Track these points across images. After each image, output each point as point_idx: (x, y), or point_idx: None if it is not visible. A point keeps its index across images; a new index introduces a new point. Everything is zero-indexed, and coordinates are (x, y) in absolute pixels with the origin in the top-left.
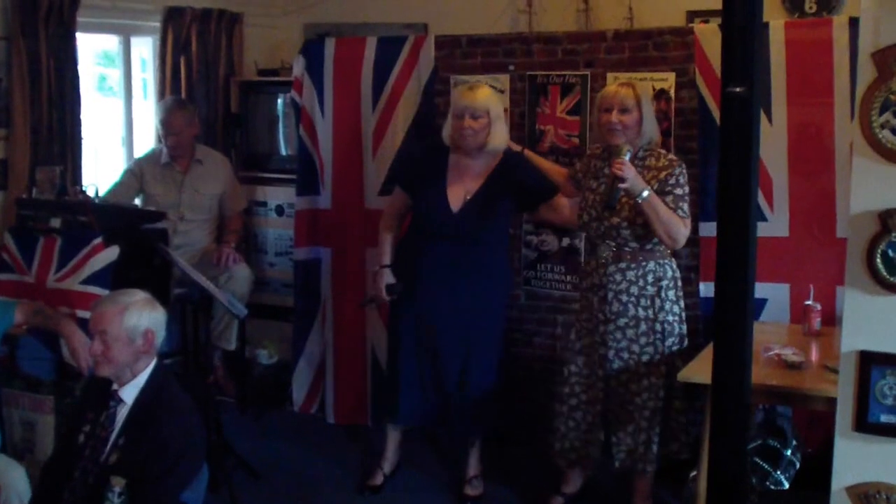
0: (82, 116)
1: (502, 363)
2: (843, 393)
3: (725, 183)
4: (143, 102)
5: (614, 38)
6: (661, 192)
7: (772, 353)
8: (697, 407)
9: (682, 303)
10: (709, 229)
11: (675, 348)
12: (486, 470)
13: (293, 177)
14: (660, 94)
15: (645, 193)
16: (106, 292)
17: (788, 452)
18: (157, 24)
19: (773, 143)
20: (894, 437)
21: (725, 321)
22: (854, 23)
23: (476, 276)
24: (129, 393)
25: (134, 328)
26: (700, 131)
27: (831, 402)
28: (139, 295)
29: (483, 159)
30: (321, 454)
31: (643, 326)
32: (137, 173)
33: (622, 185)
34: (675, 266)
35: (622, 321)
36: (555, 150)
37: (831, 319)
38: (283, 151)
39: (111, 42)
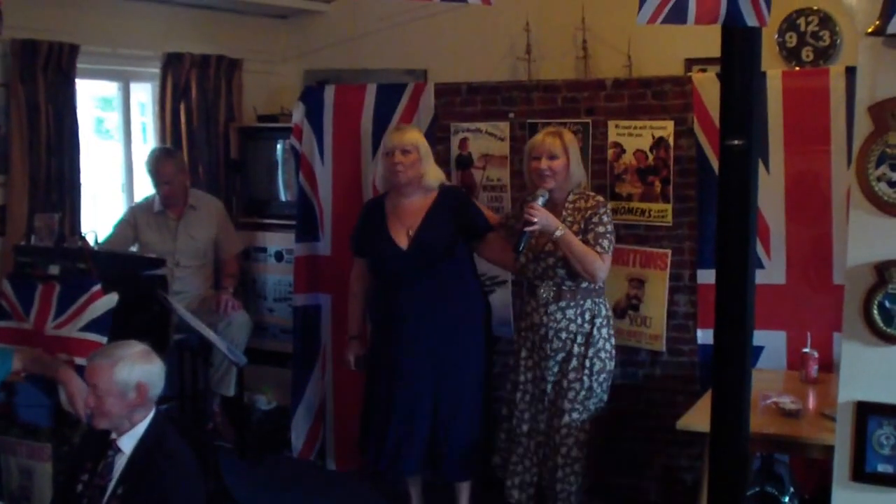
0: (81, 163)
1: (487, 398)
2: (841, 443)
3: (724, 234)
4: (143, 146)
5: (613, 87)
6: (585, 231)
7: (769, 401)
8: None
9: (612, 341)
10: (707, 276)
11: (605, 384)
12: None
13: (293, 222)
14: (659, 143)
15: (558, 232)
16: (104, 339)
17: (786, 499)
18: (157, 70)
19: (771, 191)
20: (891, 486)
21: (724, 370)
22: (851, 72)
23: (445, 309)
24: (128, 443)
25: (125, 382)
26: (698, 179)
27: (828, 449)
28: (135, 348)
29: (418, 196)
30: (320, 501)
31: (574, 362)
32: (132, 222)
33: (530, 229)
34: (608, 305)
35: (560, 356)
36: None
37: (828, 366)
38: (283, 197)
39: (109, 87)
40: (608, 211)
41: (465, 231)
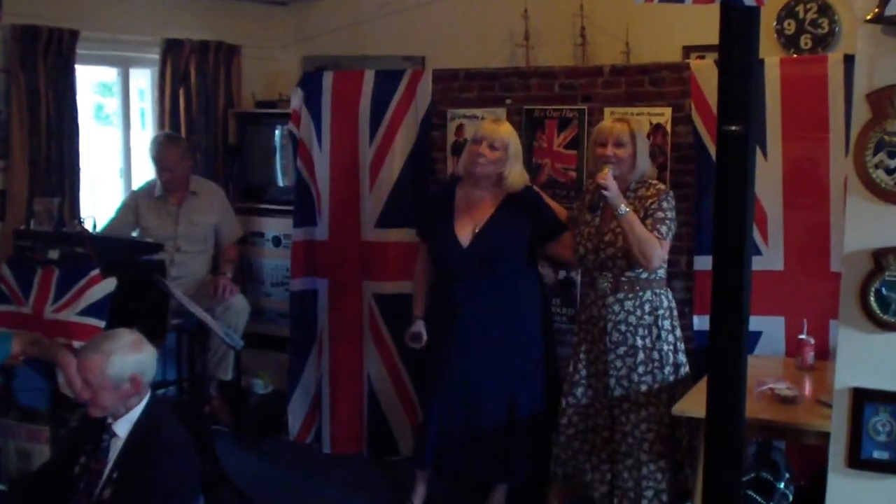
0: (80, 148)
1: (548, 395)
2: (837, 429)
3: (722, 220)
4: (142, 132)
5: (611, 73)
6: (645, 216)
7: (765, 387)
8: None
9: (678, 332)
10: (703, 263)
11: (671, 378)
12: None
13: (290, 208)
14: (656, 129)
15: (623, 209)
16: (103, 323)
17: (781, 485)
18: (156, 56)
19: (768, 177)
20: (887, 473)
21: (720, 356)
22: (849, 59)
23: (503, 308)
24: (123, 427)
25: (119, 376)
26: (696, 166)
27: (824, 436)
28: (125, 338)
29: (493, 192)
30: (317, 483)
31: (641, 356)
32: (133, 207)
33: (605, 192)
34: (670, 296)
35: (622, 350)
36: (552, 184)
37: (825, 353)
38: (281, 182)
39: (109, 72)
40: (671, 199)
41: (540, 233)
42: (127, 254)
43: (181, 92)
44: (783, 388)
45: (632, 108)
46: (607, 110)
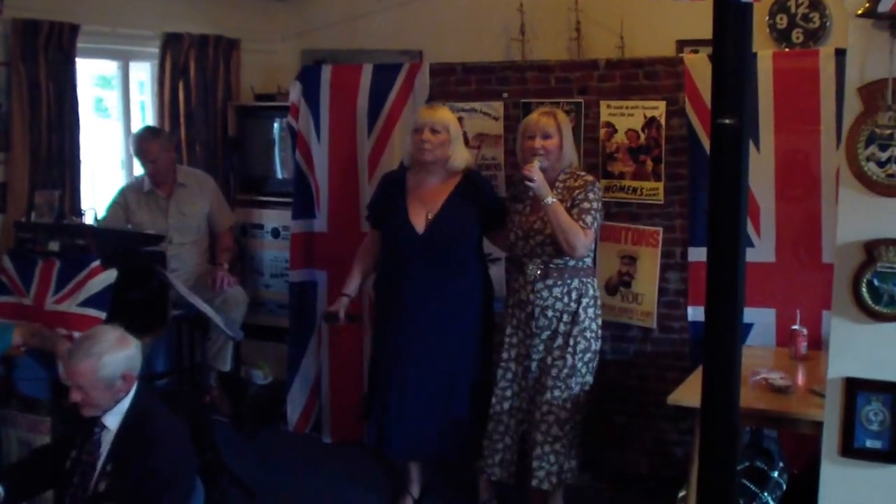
0: (81, 141)
1: (483, 381)
2: (830, 419)
3: (716, 212)
4: (141, 125)
5: (606, 67)
6: (571, 206)
7: (759, 377)
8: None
9: (599, 321)
10: (697, 254)
11: (590, 364)
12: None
13: (289, 200)
14: (650, 122)
15: (549, 200)
16: (103, 314)
17: (775, 474)
18: (156, 50)
19: (761, 170)
20: (879, 461)
21: (715, 346)
22: (840, 53)
23: (451, 292)
24: (113, 419)
25: (111, 376)
26: (689, 158)
27: (817, 425)
28: (109, 337)
29: (442, 177)
30: (316, 473)
31: (559, 340)
32: (123, 204)
33: (529, 184)
34: (596, 286)
35: (545, 334)
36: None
37: (817, 343)
38: (280, 175)
39: (109, 66)
40: (597, 190)
41: (487, 219)
42: (127, 245)
43: (181, 85)
44: (777, 377)
45: (626, 101)
46: (603, 103)
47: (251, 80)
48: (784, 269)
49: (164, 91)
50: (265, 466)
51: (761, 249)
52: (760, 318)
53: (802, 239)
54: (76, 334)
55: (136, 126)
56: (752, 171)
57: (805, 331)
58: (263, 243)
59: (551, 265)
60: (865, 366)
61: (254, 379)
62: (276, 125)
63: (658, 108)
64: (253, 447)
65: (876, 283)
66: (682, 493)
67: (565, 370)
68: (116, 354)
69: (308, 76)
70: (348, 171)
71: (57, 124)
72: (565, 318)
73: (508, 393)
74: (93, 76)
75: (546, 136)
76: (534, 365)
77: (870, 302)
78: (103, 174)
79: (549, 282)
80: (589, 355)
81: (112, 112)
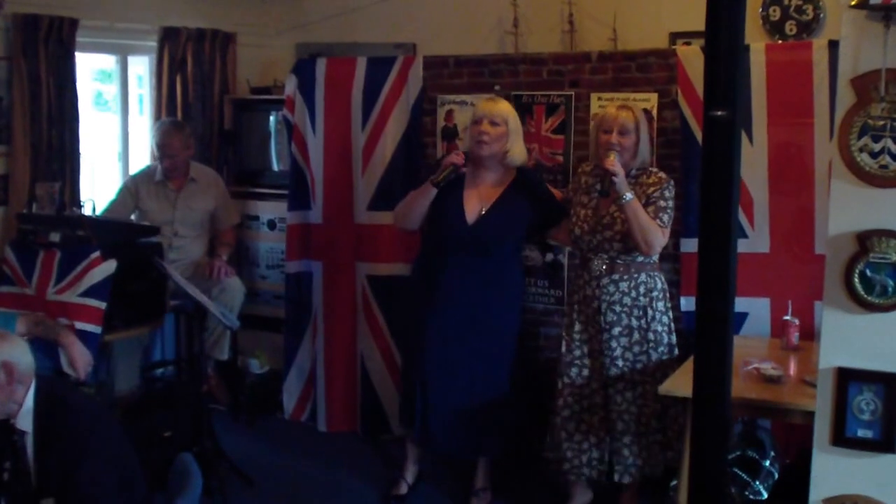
0: (80, 134)
1: (515, 376)
2: (822, 408)
3: (708, 203)
4: (139, 118)
5: (598, 60)
6: (646, 204)
7: (751, 366)
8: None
9: (670, 314)
10: (690, 245)
11: (664, 357)
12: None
13: (285, 192)
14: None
15: (628, 196)
16: (103, 305)
17: (767, 463)
18: (154, 44)
19: (754, 162)
20: (871, 450)
21: (706, 336)
22: (833, 45)
23: (490, 290)
24: (26, 421)
25: None
26: (682, 150)
27: (809, 415)
28: None
29: (499, 173)
30: (312, 461)
31: (636, 335)
32: (133, 190)
33: (614, 178)
34: (663, 279)
35: (616, 330)
36: (539, 168)
37: (809, 334)
38: (275, 167)
39: (108, 60)
40: (671, 188)
41: (544, 219)
42: (125, 236)
43: (178, 79)
44: (769, 367)
45: (618, 93)
46: (594, 95)
47: (247, 73)
48: (777, 260)
49: (161, 84)
50: (262, 454)
51: (754, 240)
52: (754, 308)
53: (795, 230)
54: (77, 324)
55: (135, 119)
56: (745, 163)
57: (797, 321)
58: (259, 235)
59: (618, 260)
60: (857, 356)
61: (251, 368)
62: (271, 118)
63: (650, 101)
64: (250, 435)
65: (868, 273)
66: (673, 483)
67: (651, 365)
68: None
69: (303, 69)
70: (343, 162)
71: (57, 117)
72: (636, 312)
73: (586, 391)
74: (92, 70)
75: (624, 133)
76: (608, 361)
77: (862, 292)
78: (102, 166)
79: (616, 276)
80: (663, 348)
81: (111, 105)
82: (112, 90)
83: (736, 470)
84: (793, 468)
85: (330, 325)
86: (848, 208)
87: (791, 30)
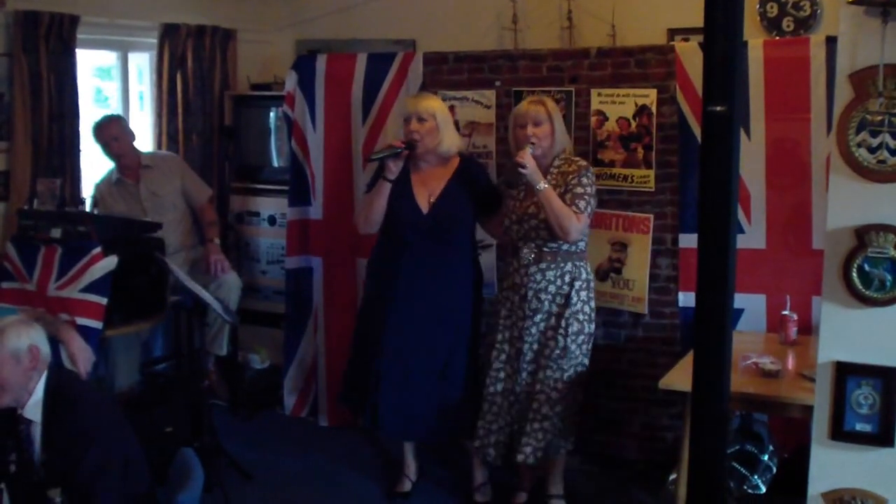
0: (81, 130)
1: (470, 361)
2: (820, 402)
3: (706, 199)
4: (140, 114)
5: (597, 56)
6: (565, 191)
7: (749, 361)
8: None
9: (592, 304)
10: (688, 241)
11: (584, 346)
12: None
13: (285, 188)
14: (641, 110)
15: (541, 186)
16: (104, 300)
17: (765, 457)
18: (154, 41)
19: (752, 157)
20: (869, 444)
21: (706, 331)
22: (831, 41)
23: (447, 276)
24: (34, 411)
25: (17, 349)
26: (680, 146)
27: (807, 409)
28: (9, 319)
29: (439, 163)
30: (312, 456)
31: (552, 321)
32: (98, 198)
33: (521, 171)
34: (589, 269)
35: (538, 317)
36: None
37: (807, 329)
38: (276, 163)
39: (108, 56)
40: (590, 175)
41: (482, 204)
42: (126, 232)
43: (178, 75)
44: (767, 362)
45: (617, 89)
46: (594, 91)
47: (247, 69)
48: (774, 256)
49: (162, 81)
50: (262, 449)
51: (752, 236)
52: (751, 304)
53: (792, 225)
54: (78, 320)
55: (135, 115)
56: (743, 158)
57: (795, 316)
58: (260, 231)
59: (545, 249)
60: (855, 350)
61: (251, 363)
62: (271, 114)
63: (649, 96)
64: (250, 430)
65: (866, 268)
66: (672, 477)
67: (557, 351)
68: (21, 329)
69: (303, 66)
70: (343, 158)
71: (58, 114)
72: (558, 300)
73: (502, 375)
74: (92, 67)
75: (537, 124)
76: (525, 347)
77: (860, 287)
78: (102, 162)
79: (543, 265)
80: (582, 337)
81: (111, 102)
82: (112, 87)
83: (734, 464)
84: (791, 462)
85: (330, 320)
86: (846, 203)
87: (788, 26)
